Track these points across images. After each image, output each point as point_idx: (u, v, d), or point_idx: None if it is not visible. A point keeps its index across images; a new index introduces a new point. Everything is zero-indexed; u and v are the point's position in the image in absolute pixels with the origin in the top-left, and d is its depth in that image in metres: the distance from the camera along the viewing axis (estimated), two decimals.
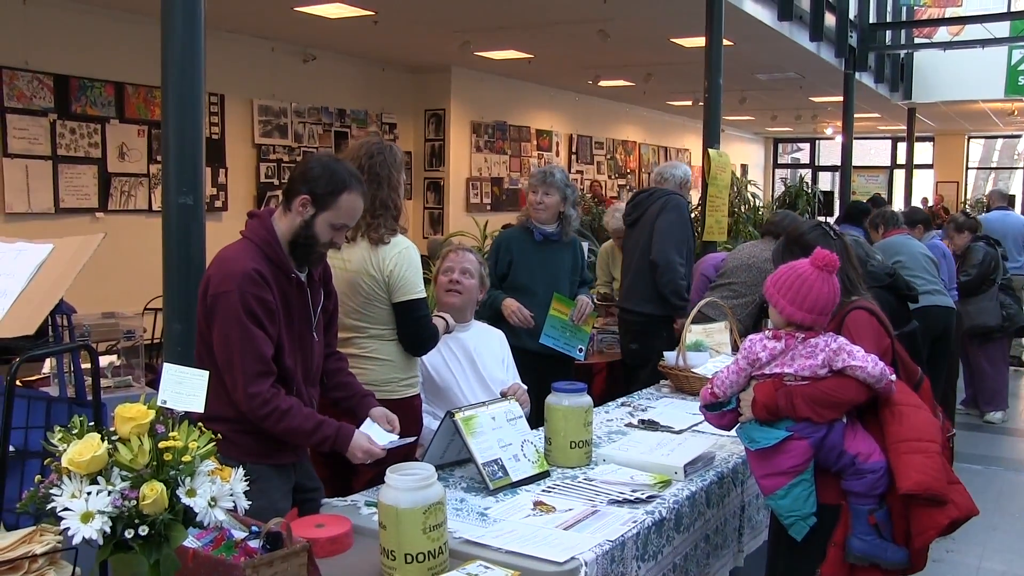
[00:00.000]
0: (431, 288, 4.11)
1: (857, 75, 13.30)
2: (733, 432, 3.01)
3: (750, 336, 2.91)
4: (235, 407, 2.68)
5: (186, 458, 1.74)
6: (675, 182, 5.73)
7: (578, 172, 16.16)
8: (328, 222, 2.74)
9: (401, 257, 3.35)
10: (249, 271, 2.65)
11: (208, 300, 2.70)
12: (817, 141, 25.26)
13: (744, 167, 22.41)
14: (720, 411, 2.95)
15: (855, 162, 15.25)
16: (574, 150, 16.14)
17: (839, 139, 16.36)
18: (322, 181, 2.73)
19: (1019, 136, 23.04)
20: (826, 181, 24.29)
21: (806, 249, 2.93)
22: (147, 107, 9.21)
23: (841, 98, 13.44)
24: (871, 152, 24.92)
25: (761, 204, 12.13)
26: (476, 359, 3.77)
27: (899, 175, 22.68)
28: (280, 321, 2.73)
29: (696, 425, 3.58)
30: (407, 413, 3.42)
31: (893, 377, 2.79)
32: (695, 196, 8.09)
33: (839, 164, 14.77)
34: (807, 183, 15.69)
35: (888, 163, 24.21)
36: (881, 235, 6.98)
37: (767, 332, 2.87)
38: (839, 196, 14.45)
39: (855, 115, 13.52)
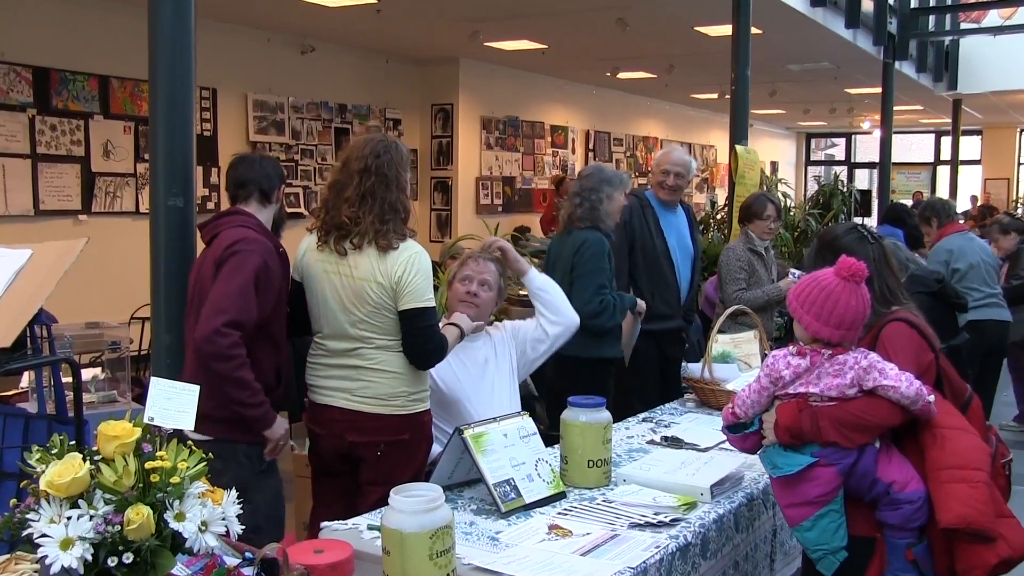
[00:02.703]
0: (440, 295, 4.11)
1: (897, 64, 13.27)
2: (755, 457, 2.99)
3: (773, 352, 2.87)
4: None
5: (175, 479, 1.75)
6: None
7: None
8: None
9: (411, 263, 3.35)
10: (270, 247, 3.38)
11: (224, 253, 3.29)
12: (853, 136, 25.20)
13: (774, 164, 22.38)
14: (742, 433, 2.93)
15: (895, 158, 15.20)
16: (591, 147, 16.15)
17: (877, 134, 16.30)
18: (275, 173, 3.66)
19: None
20: (863, 179, 24.23)
21: (839, 255, 2.85)
22: (134, 102, 9.25)
23: (880, 89, 13.41)
24: (912, 147, 24.86)
25: (793, 204, 12.11)
26: (488, 371, 3.77)
27: (943, 172, 22.59)
28: (278, 293, 3.40)
29: (723, 442, 3.56)
30: (416, 429, 3.43)
31: (932, 398, 2.72)
32: (721, 196, 8.07)
33: (877, 160, 14.70)
34: (842, 181, 15.61)
35: (931, 159, 24.13)
36: (936, 230, 6.83)
37: (791, 347, 2.83)
38: (877, 195, 14.42)
39: (895, 107, 13.50)
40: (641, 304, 4.99)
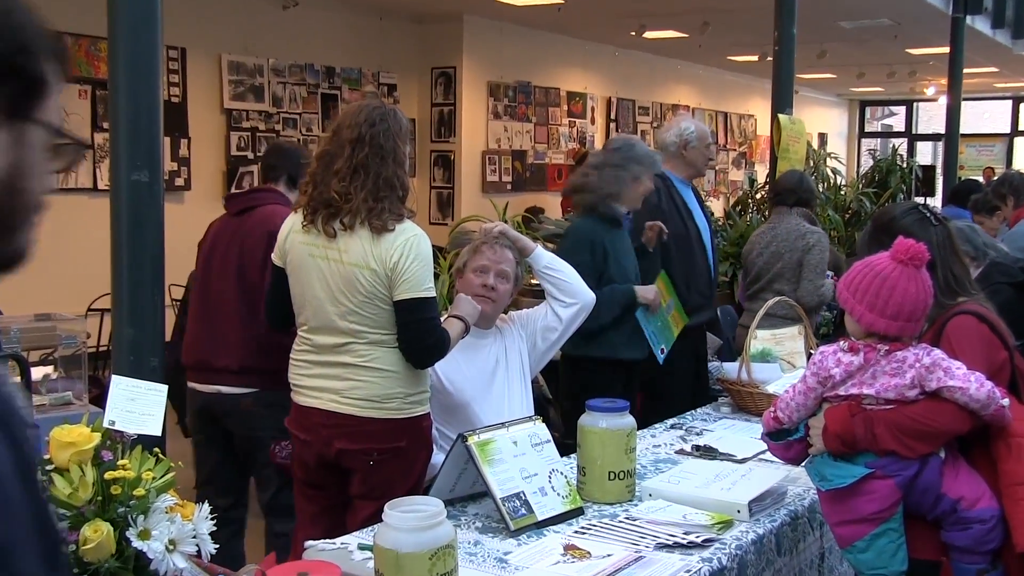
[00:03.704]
0: (440, 284, 4.11)
1: (969, 19, 13.17)
2: (801, 467, 2.99)
3: (821, 348, 2.86)
4: None
5: (139, 492, 1.75)
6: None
7: None
8: None
9: (408, 246, 3.35)
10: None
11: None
12: (915, 104, 25.10)
13: (823, 136, 22.32)
14: (785, 441, 2.93)
15: (963, 129, 15.09)
16: (613, 117, 16.14)
17: (943, 101, 16.19)
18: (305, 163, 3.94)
19: None
20: (926, 153, 24.14)
21: (896, 238, 2.83)
22: (90, 62, 9.27)
23: (947, 49, 13.32)
24: (985, 116, 24.75)
25: (844, 182, 12.11)
26: (498, 371, 3.78)
27: (1021, 144, 22.47)
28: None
29: (763, 452, 3.57)
30: (414, 436, 3.44)
31: (1006, 402, 2.70)
32: (761, 173, 8.06)
33: (943, 132, 14.63)
34: (901, 156, 15.58)
35: (1007, 130, 23.98)
36: (1012, 210, 6.82)
37: (842, 343, 2.82)
38: (942, 172, 14.36)
39: (964, 70, 13.40)
40: (642, 292, 4.89)
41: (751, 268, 5.95)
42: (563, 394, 5.07)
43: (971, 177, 14.95)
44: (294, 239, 3.49)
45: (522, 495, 2.87)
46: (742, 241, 7.51)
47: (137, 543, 1.72)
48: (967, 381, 2.66)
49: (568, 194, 4.91)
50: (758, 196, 11.72)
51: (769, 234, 5.92)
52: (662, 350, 4.98)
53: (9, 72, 1.01)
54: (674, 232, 5.38)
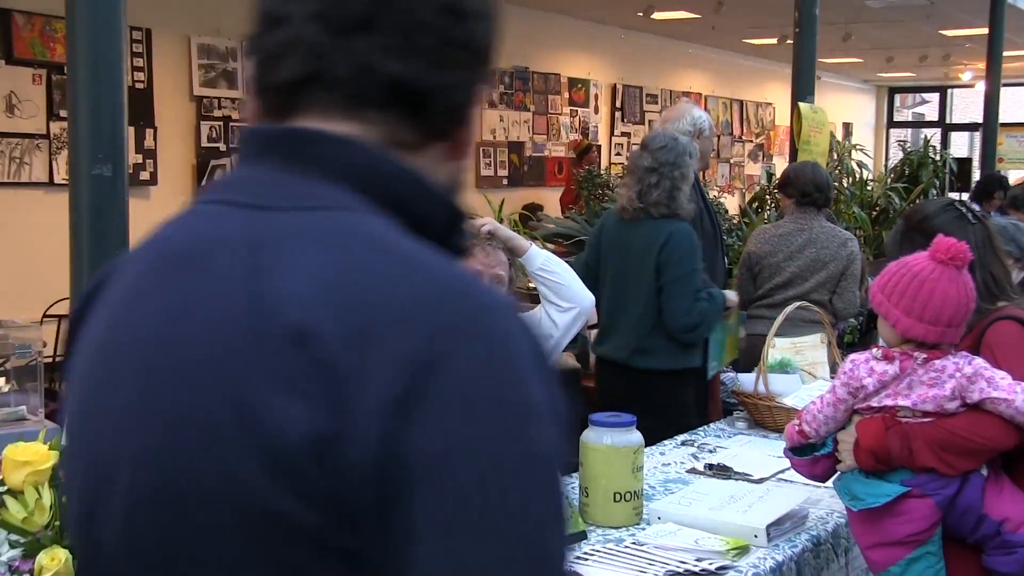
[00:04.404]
0: None
1: None
2: (830, 483, 2.99)
3: (852, 356, 2.87)
4: None
5: None
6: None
7: (623, 135, 16.16)
8: None
9: None
10: None
11: None
12: (949, 90, 25.13)
13: (847, 127, 22.34)
14: (811, 456, 2.93)
15: (1003, 118, 15.07)
16: (618, 105, 16.15)
17: (981, 87, 16.22)
18: None
19: None
20: (961, 144, 24.16)
21: (931, 238, 2.84)
22: (46, 44, 9.23)
23: (986, 30, 13.31)
24: None
25: (871, 176, 12.13)
26: None
27: None
28: None
29: (783, 472, 3.57)
30: None
31: None
32: (780, 166, 8.08)
33: (980, 121, 14.65)
34: (934, 148, 15.61)
35: None
36: None
37: (875, 350, 2.83)
38: (979, 165, 14.38)
39: (1004, 53, 13.40)
40: (731, 297, 5.04)
41: (773, 272, 5.90)
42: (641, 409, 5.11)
43: (1010, 171, 14.97)
44: None
45: None
46: None
47: None
48: (1013, 392, 2.67)
49: (646, 207, 4.87)
50: (776, 192, 11.72)
51: (800, 237, 5.85)
52: (713, 365, 5.02)
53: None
54: (702, 231, 5.43)
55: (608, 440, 3.08)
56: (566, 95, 14.96)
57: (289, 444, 0.94)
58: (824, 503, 3.31)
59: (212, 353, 0.99)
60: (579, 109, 15.21)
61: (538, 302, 4.11)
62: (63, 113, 8.25)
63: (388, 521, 0.94)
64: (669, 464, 3.77)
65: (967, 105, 24.63)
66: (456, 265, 1.07)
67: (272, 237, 1.03)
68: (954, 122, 25.37)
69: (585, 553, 2.86)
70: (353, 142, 1.09)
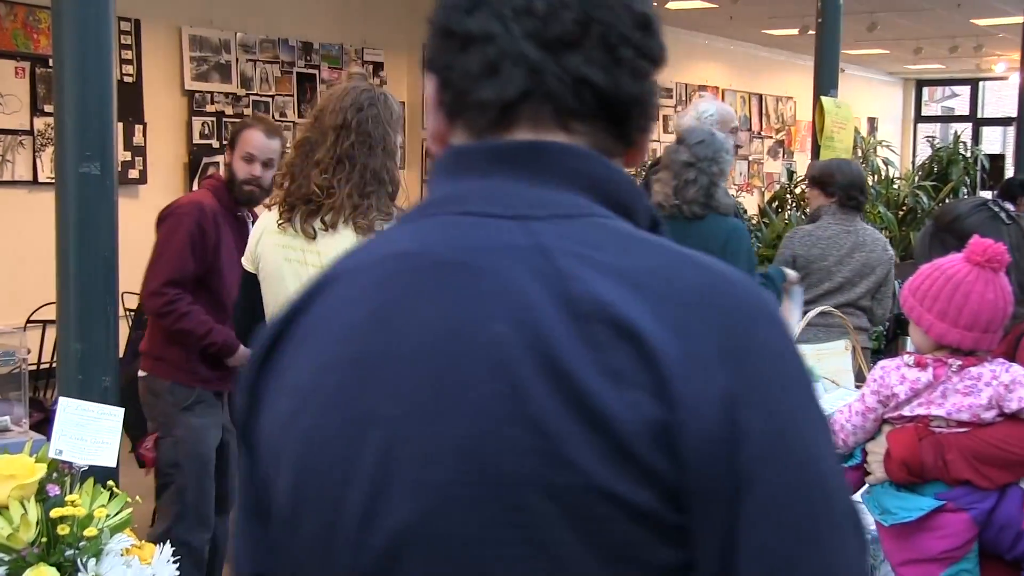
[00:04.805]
0: None
1: None
2: (858, 497, 2.98)
3: (882, 363, 2.86)
4: None
5: (90, 532, 1.75)
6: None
7: None
8: (238, 158, 4.56)
9: None
10: (196, 202, 4.57)
11: (159, 220, 4.54)
12: (981, 83, 25.11)
13: (872, 122, 22.33)
14: None
15: None
16: None
17: (1015, 79, 16.21)
18: (233, 129, 4.76)
19: None
20: (994, 140, 24.12)
21: (964, 239, 2.84)
22: (29, 35, 9.26)
23: (1020, 19, 13.33)
24: None
25: (897, 174, 12.11)
26: None
27: None
28: (218, 250, 4.49)
29: None
30: None
31: None
32: (801, 163, 8.06)
33: (1014, 116, 14.62)
34: (965, 143, 15.57)
35: None
36: None
37: (906, 356, 2.82)
38: (1013, 162, 14.33)
39: None
40: (792, 274, 5.11)
41: (823, 277, 5.78)
42: None
43: None
44: (267, 241, 3.48)
45: None
46: (779, 242, 7.47)
47: None
48: None
49: (686, 203, 4.87)
50: (797, 191, 11.69)
51: (847, 240, 5.79)
52: None
53: None
54: None
55: None
56: None
57: (627, 432, 1.03)
58: None
59: (532, 351, 1.06)
60: None
61: None
62: (48, 108, 8.28)
63: (725, 499, 1.04)
64: None
65: (1000, 98, 24.55)
66: (702, 256, 1.15)
67: (551, 243, 1.11)
68: (986, 116, 25.29)
69: None
70: (584, 152, 1.18)
